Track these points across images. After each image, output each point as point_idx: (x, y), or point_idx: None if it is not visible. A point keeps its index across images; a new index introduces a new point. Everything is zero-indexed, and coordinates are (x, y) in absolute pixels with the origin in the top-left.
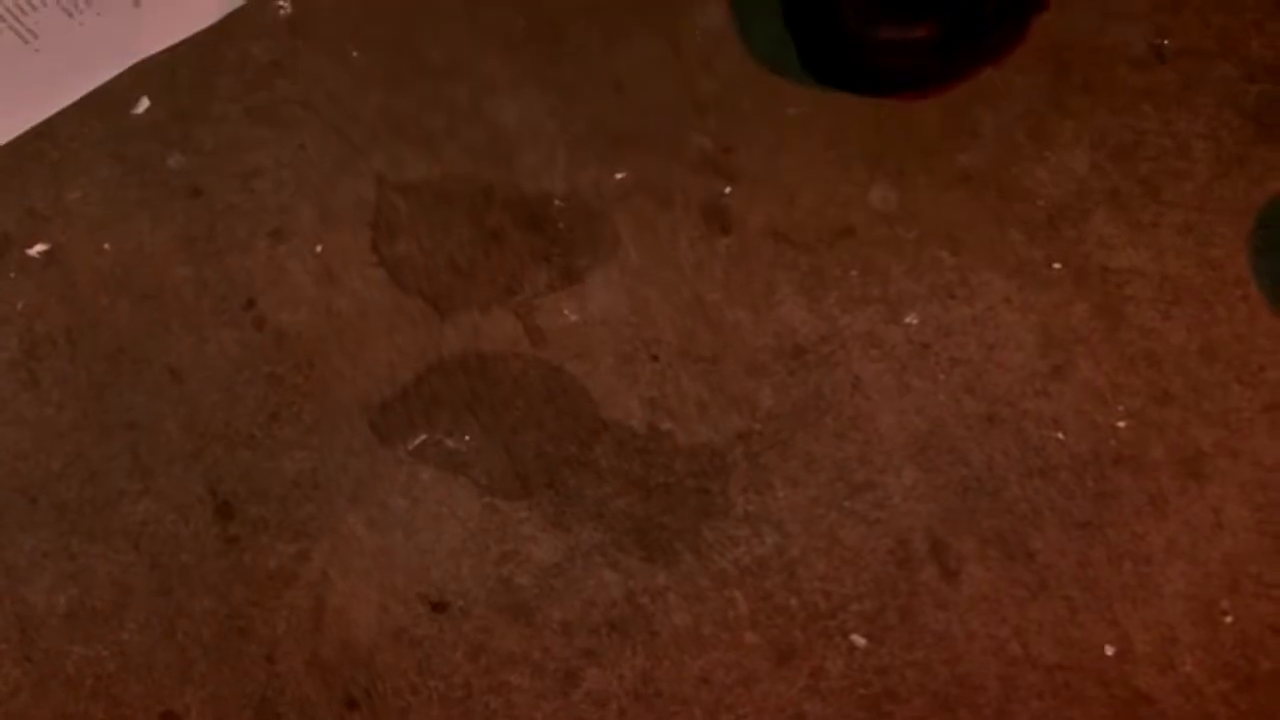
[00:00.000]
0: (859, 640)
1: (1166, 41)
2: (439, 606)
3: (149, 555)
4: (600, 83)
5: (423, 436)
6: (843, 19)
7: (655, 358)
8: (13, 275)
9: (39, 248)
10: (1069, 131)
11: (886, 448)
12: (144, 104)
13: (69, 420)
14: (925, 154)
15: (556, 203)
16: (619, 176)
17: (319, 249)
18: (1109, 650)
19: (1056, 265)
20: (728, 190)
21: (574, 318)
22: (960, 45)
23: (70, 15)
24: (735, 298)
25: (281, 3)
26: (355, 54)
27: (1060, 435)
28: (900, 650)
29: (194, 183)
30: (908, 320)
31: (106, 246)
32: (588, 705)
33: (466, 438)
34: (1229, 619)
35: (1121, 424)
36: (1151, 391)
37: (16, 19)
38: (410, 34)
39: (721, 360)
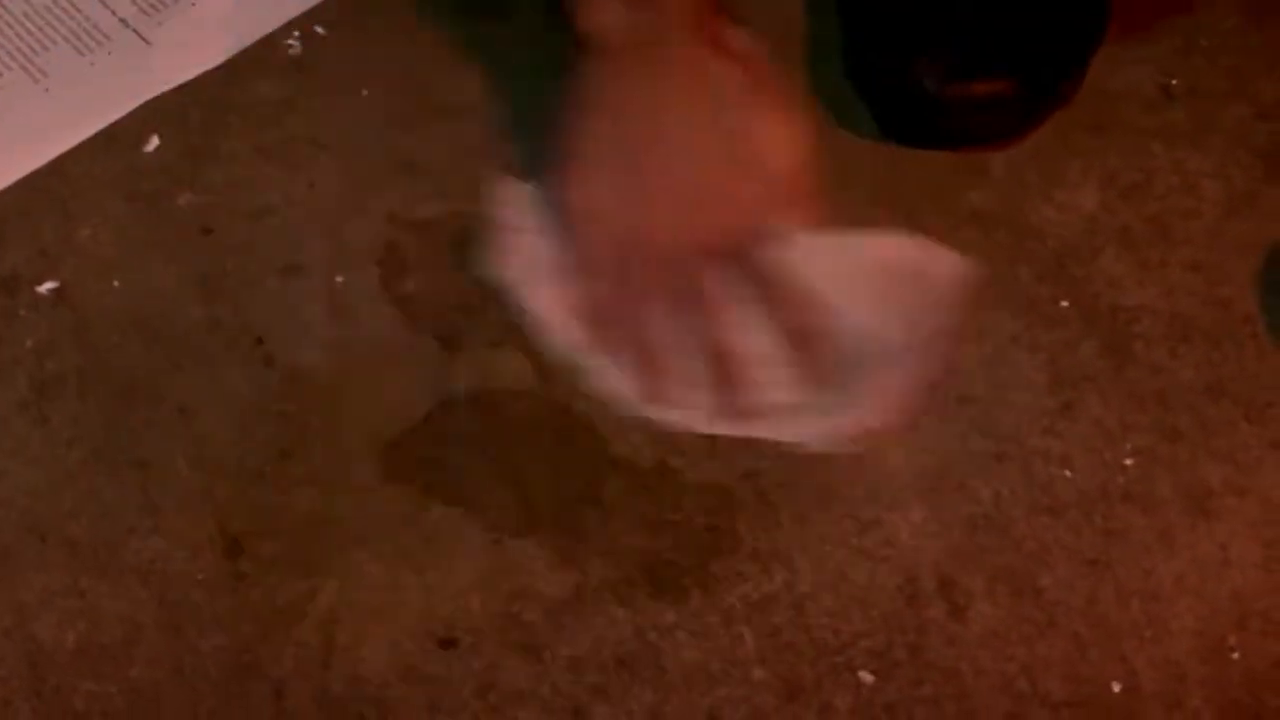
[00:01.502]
0: (867, 677)
1: (1175, 81)
2: (448, 643)
3: (158, 592)
4: None
5: (432, 474)
6: (918, 81)
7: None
8: (23, 313)
9: (49, 286)
10: (1078, 171)
11: (895, 485)
12: (154, 142)
13: (79, 459)
14: (935, 193)
15: None
16: None
17: (331, 285)
18: (1117, 687)
19: (1065, 303)
20: None
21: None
22: (1035, 95)
23: (81, 54)
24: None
25: (291, 42)
26: (365, 92)
27: (1068, 473)
28: (908, 686)
29: (204, 221)
30: None
31: (117, 284)
32: None
33: (475, 475)
34: (1236, 655)
35: (1129, 461)
36: (1160, 429)
37: (27, 59)
38: (420, 73)
39: None
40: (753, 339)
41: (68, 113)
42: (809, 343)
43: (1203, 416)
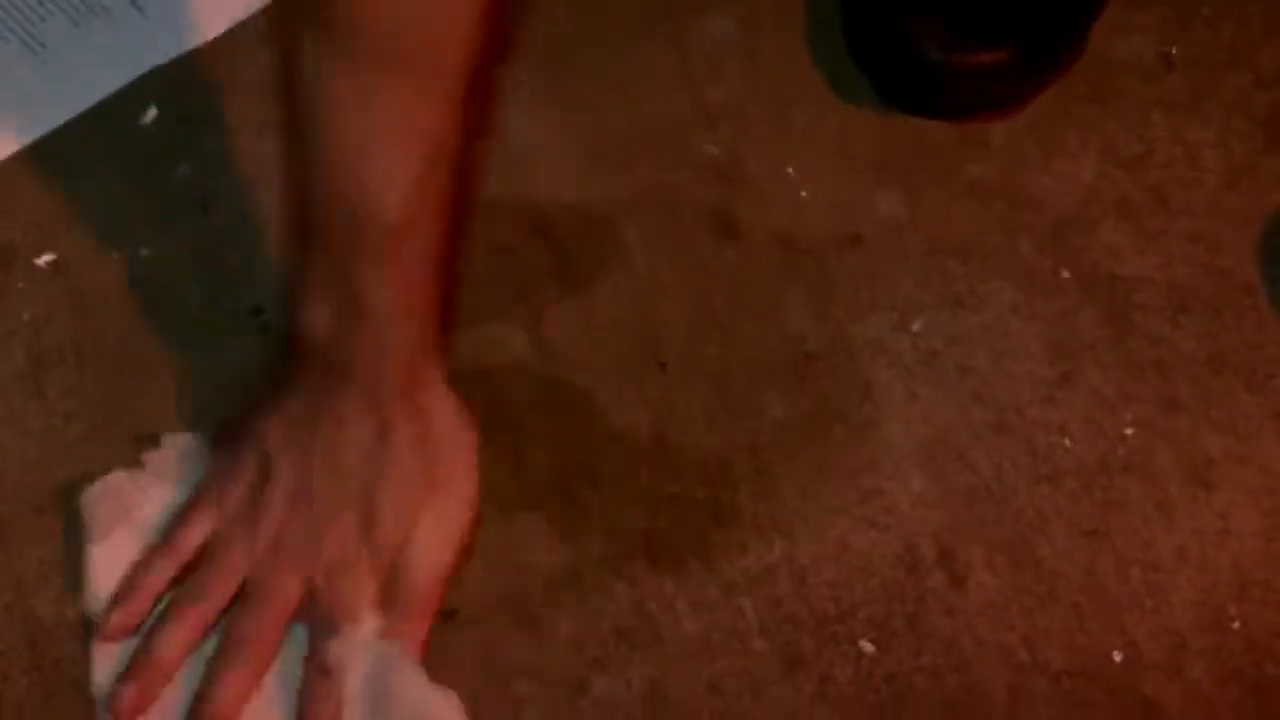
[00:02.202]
0: (867, 647)
1: (1175, 51)
2: (447, 615)
3: None
4: (609, 92)
5: None
6: (921, 49)
7: (663, 367)
8: (20, 286)
9: (46, 258)
10: (1077, 140)
11: (895, 455)
12: (152, 114)
13: (76, 431)
14: (934, 162)
15: (564, 213)
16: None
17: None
18: (1117, 657)
19: (1065, 273)
20: (736, 199)
21: (581, 328)
22: (1037, 63)
23: (78, 26)
24: (743, 307)
25: None
26: None
27: (1068, 443)
28: (908, 657)
29: (201, 192)
30: (916, 328)
31: (114, 256)
32: (596, 713)
33: None
34: (1237, 625)
35: (1129, 431)
36: (1160, 399)
37: (25, 30)
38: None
39: (730, 369)
40: (269, 701)
41: (65, 84)
42: None
43: (1203, 387)
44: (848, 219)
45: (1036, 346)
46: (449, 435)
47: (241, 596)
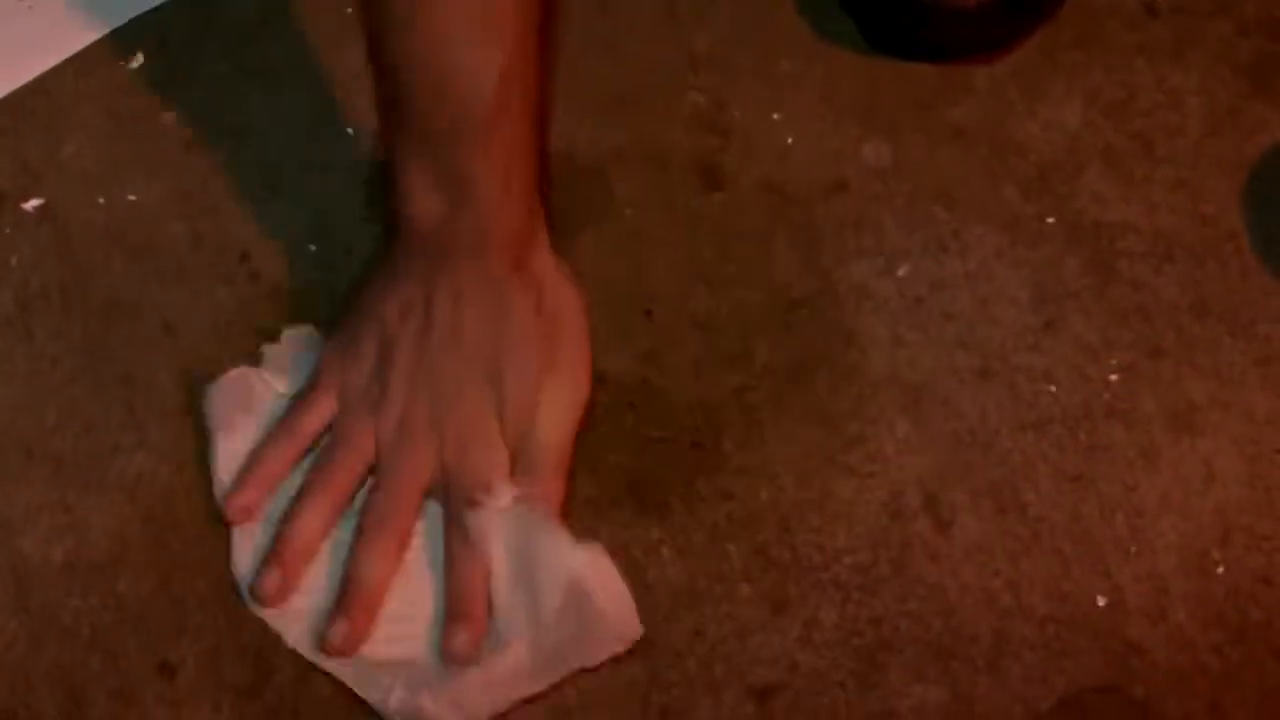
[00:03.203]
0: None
1: None
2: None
3: (144, 508)
4: (594, 41)
5: None
6: None
7: (649, 314)
8: (7, 231)
9: (33, 203)
10: (1062, 87)
11: (880, 401)
12: (138, 60)
13: (63, 374)
14: (918, 109)
15: (551, 163)
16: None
17: (315, 202)
18: (1101, 602)
19: (1049, 220)
20: (722, 147)
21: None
22: (1022, 7)
23: None
24: (729, 254)
25: None
26: (349, 9)
27: (1052, 389)
28: (893, 602)
29: (188, 138)
30: (901, 274)
31: (101, 201)
32: None
33: None
34: (1220, 570)
35: (1114, 378)
36: (1143, 345)
37: None
38: None
39: (715, 315)
40: (414, 577)
41: (51, 30)
42: (461, 610)
43: (1186, 333)
44: (833, 166)
45: (1021, 293)
46: (562, 303)
47: (374, 477)
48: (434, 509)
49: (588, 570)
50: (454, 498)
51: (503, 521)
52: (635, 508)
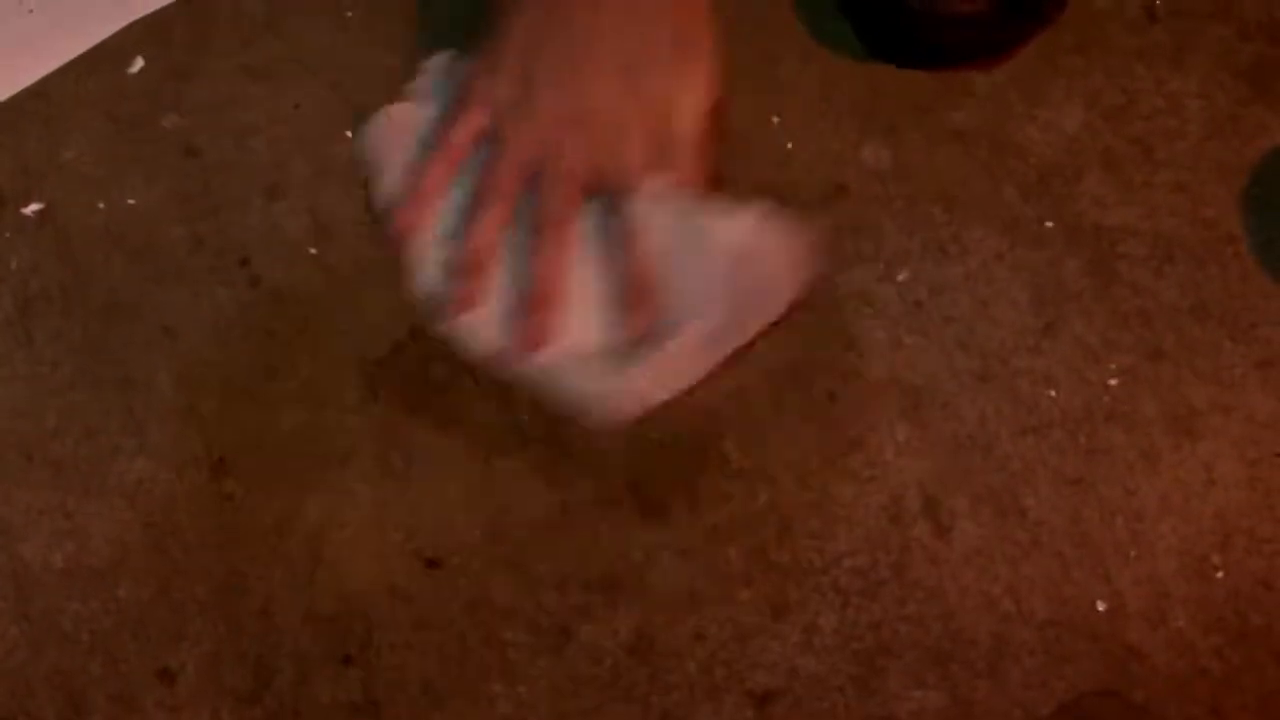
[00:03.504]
0: (853, 597)
1: (1159, 2)
2: (434, 562)
3: (144, 512)
4: None
5: (417, 392)
6: None
7: None
8: (7, 234)
9: (34, 206)
10: (1061, 91)
11: (879, 404)
12: (138, 63)
13: (64, 377)
14: (918, 111)
15: None
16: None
17: (315, 205)
18: (1101, 606)
19: (1049, 223)
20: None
21: None
22: (1021, 13)
23: None
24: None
25: None
26: (349, 13)
27: (1052, 392)
28: (893, 606)
29: (188, 141)
30: (900, 277)
31: (101, 205)
32: (582, 660)
33: (461, 394)
34: (1220, 574)
35: (1114, 381)
36: (1144, 349)
37: None
38: None
39: None
40: (584, 272)
41: (52, 33)
42: (634, 297)
43: (1186, 336)
44: (832, 169)
45: (1021, 296)
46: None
47: (535, 182)
48: (593, 208)
49: (750, 236)
50: (611, 189)
51: (661, 204)
52: (635, 510)
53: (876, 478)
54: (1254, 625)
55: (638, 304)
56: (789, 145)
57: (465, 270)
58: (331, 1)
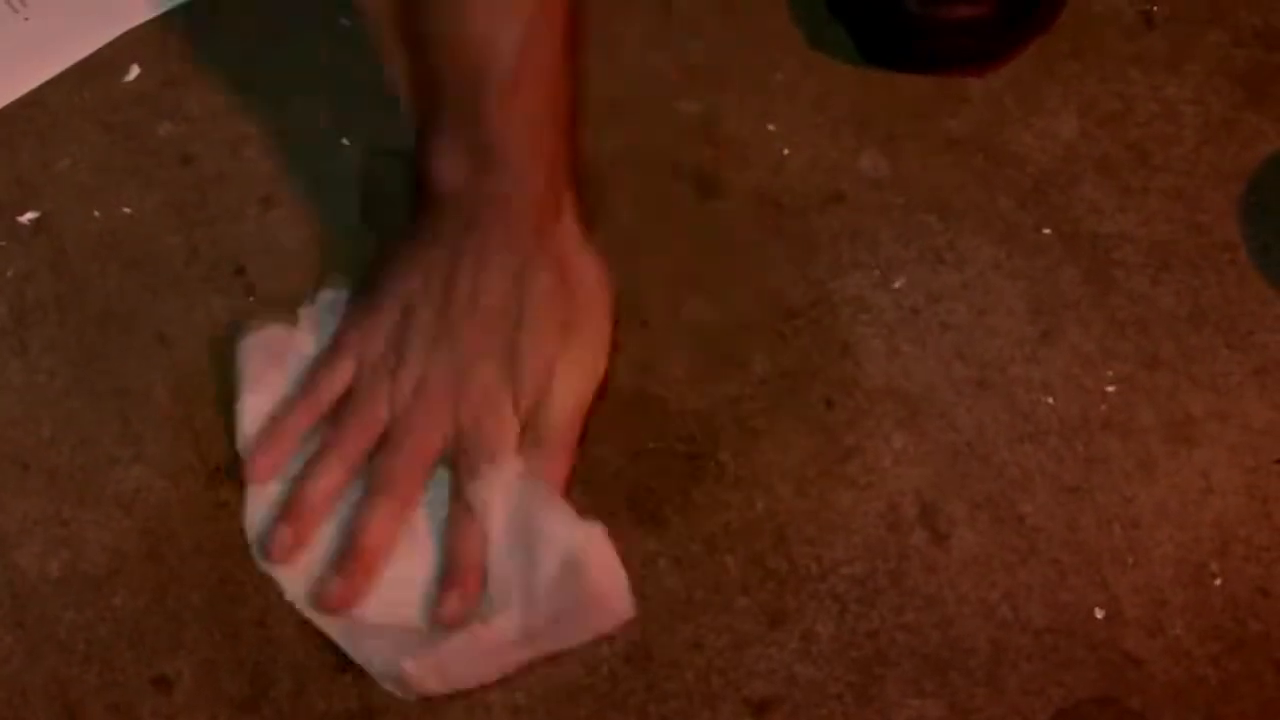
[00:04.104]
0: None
1: (1155, 8)
2: None
3: (140, 521)
4: (589, 51)
5: None
6: (904, 3)
7: (645, 323)
8: (3, 243)
9: (29, 215)
10: (1057, 97)
11: (876, 412)
12: (134, 72)
13: (59, 387)
14: (914, 119)
15: None
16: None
17: (310, 215)
18: (1099, 613)
19: (1046, 230)
20: (717, 157)
21: None
22: (1018, 19)
23: None
24: (725, 265)
25: None
26: (344, 22)
27: (1050, 400)
28: (890, 613)
29: (184, 150)
30: (897, 285)
31: (96, 214)
32: (578, 669)
33: None
34: (1218, 582)
35: (1111, 389)
36: (1141, 356)
37: None
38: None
39: (711, 326)
40: (413, 542)
41: (47, 42)
42: (456, 576)
43: (1184, 344)
44: (829, 176)
45: (1018, 304)
46: (585, 277)
47: (386, 439)
48: (443, 477)
49: (585, 547)
50: (462, 465)
51: (506, 492)
52: (632, 518)
53: (874, 485)
54: (1252, 633)
55: (458, 584)
56: (785, 152)
57: (294, 519)
58: (328, 11)
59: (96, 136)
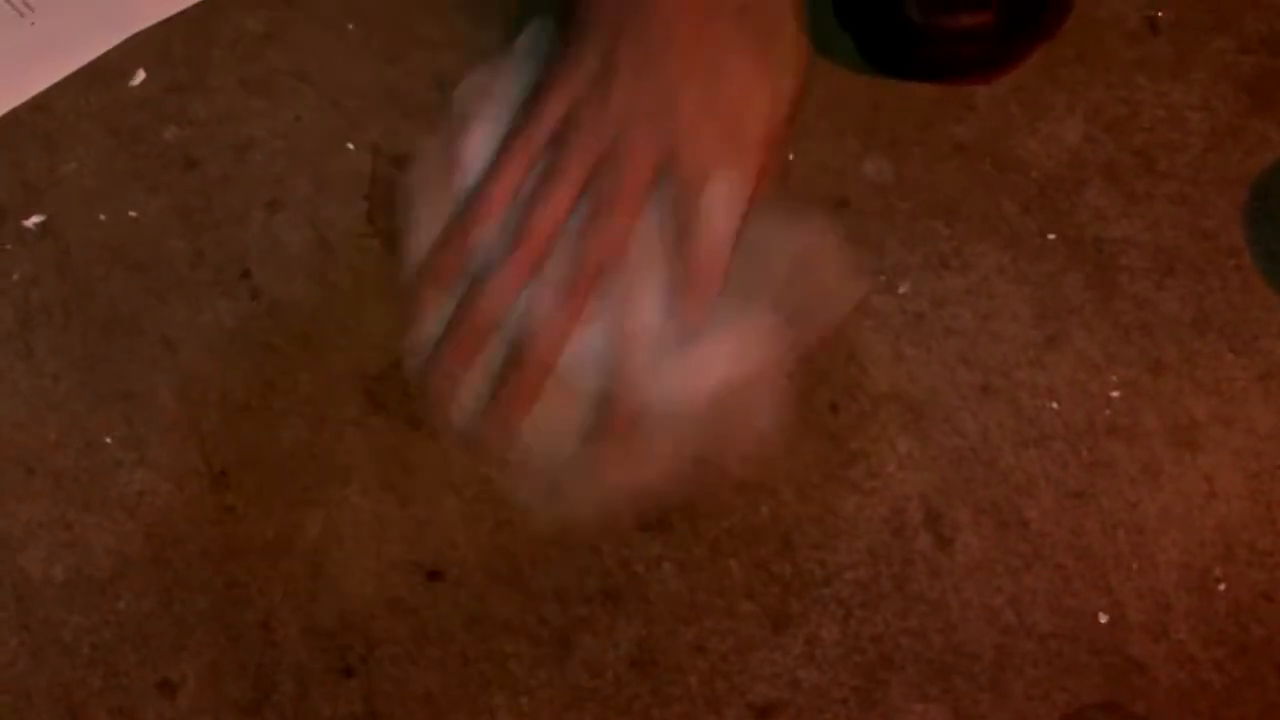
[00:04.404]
0: (857, 610)
1: (1160, 14)
2: (434, 575)
3: (145, 525)
4: None
5: (417, 406)
6: (906, 11)
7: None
8: (8, 247)
9: (34, 219)
10: (1062, 103)
11: (881, 417)
12: (139, 76)
13: (64, 391)
14: (919, 125)
15: None
16: None
17: (316, 219)
18: (1103, 618)
19: (1050, 236)
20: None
21: None
22: (1022, 27)
23: None
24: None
25: None
26: (350, 26)
27: (1054, 405)
28: (895, 618)
29: (189, 154)
30: (902, 291)
31: (102, 218)
32: (583, 673)
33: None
34: (1222, 587)
35: (1115, 394)
36: (1145, 361)
37: None
38: (405, 6)
39: None
40: (644, 256)
41: (53, 46)
42: (693, 284)
43: (1188, 349)
44: (834, 182)
45: (1023, 309)
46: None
47: (603, 163)
48: (656, 197)
49: (811, 242)
50: (678, 181)
51: (725, 204)
52: (636, 522)
53: (878, 490)
54: (1256, 638)
55: (696, 291)
56: (790, 157)
57: (528, 239)
58: (332, 15)
59: (102, 140)
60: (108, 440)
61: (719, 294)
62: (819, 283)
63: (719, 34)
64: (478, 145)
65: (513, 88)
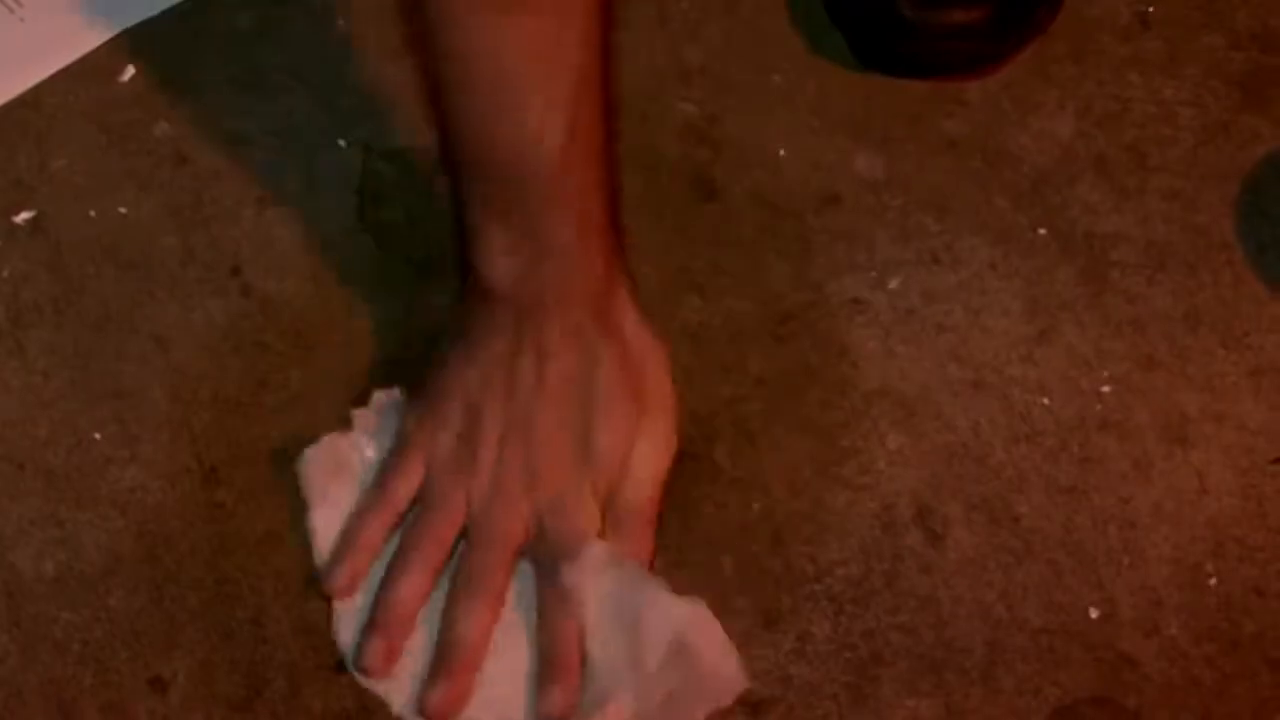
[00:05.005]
0: (846, 603)
1: (1152, 10)
2: None
3: (136, 522)
4: None
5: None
6: (898, 8)
7: None
8: None
9: (25, 216)
10: (1054, 99)
11: (872, 413)
12: (129, 72)
13: (56, 388)
14: (911, 121)
15: None
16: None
17: (307, 215)
18: (1094, 614)
19: (1042, 231)
20: (714, 159)
21: None
22: (1013, 23)
23: None
24: (721, 265)
25: None
26: (341, 22)
27: (1046, 401)
28: (886, 614)
29: (180, 151)
30: (893, 286)
31: (92, 214)
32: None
33: None
34: (1213, 582)
35: (1106, 389)
36: (1136, 357)
37: None
38: (394, 3)
39: (707, 327)
40: (508, 639)
41: (43, 42)
42: (557, 671)
43: (1179, 344)
44: (825, 178)
45: (1014, 304)
46: (646, 352)
47: (467, 538)
48: (524, 569)
49: (691, 625)
50: (547, 555)
51: (597, 577)
52: None
53: (869, 486)
54: (1247, 633)
55: (559, 677)
56: (781, 153)
57: (383, 630)
58: (323, 11)
59: (92, 137)
60: (98, 437)
61: (580, 680)
62: (695, 669)
63: (594, 392)
64: (330, 518)
65: (365, 455)
